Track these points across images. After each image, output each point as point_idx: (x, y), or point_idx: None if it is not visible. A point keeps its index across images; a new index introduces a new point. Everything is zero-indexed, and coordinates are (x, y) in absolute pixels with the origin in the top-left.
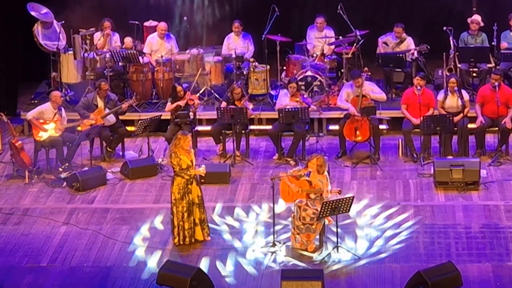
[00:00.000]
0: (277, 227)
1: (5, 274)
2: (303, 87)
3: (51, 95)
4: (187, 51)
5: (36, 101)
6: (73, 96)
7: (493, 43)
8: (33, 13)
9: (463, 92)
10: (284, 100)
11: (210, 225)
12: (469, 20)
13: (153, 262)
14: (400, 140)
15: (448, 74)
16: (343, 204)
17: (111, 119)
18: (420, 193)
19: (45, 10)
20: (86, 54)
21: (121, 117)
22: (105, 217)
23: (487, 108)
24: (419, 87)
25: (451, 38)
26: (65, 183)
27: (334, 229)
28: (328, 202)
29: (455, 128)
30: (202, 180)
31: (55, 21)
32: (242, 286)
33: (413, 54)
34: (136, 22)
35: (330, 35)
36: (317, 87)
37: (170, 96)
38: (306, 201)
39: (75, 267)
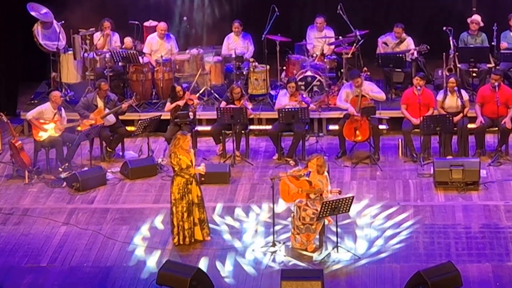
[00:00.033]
0: (277, 227)
1: (5, 274)
2: (303, 87)
3: (51, 95)
4: (187, 51)
5: (36, 101)
6: (73, 96)
7: (493, 43)
8: (33, 13)
9: (463, 92)
10: (283, 100)
11: (210, 225)
12: (469, 20)
13: (153, 262)
14: (400, 140)
15: (447, 74)
16: (343, 204)
17: (111, 119)
18: (420, 193)
19: (45, 10)
20: (86, 54)
21: (121, 117)
22: (105, 217)
23: (487, 108)
24: (418, 87)
25: (451, 38)
26: (65, 183)
27: (334, 229)
28: (328, 202)
29: (455, 128)
30: (203, 179)
31: (55, 21)
32: (242, 286)
33: (413, 54)
34: (136, 22)
35: (330, 35)
36: (317, 87)
37: (169, 96)
38: (306, 201)
39: (75, 267)
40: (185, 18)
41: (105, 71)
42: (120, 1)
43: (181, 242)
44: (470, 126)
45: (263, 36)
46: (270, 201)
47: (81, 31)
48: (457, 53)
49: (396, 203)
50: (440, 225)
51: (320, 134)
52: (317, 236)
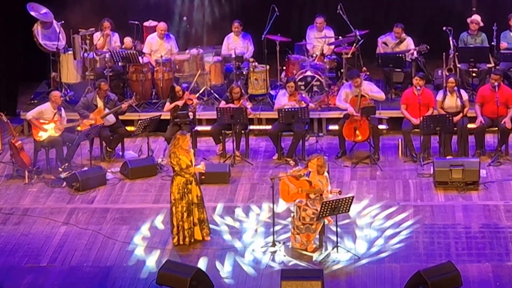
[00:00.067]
0: (277, 227)
1: (5, 274)
2: (302, 87)
3: (50, 95)
4: (187, 51)
5: (36, 101)
6: (73, 96)
7: (492, 43)
8: (32, 13)
9: (462, 91)
10: (283, 100)
11: (210, 225)
12: (468, 20)
13: (153, 262)
14: (399, 140)
15: (447, 74)
16: (342, 204)
17: (111, 119)
18: (419, 193)
19: (44, 10)
20: (85, 54)
21: (120, 117)
22: (104, 217)
23: (487, 108)
24: (418, 87)
25: (450, 38)
26: (64, 183)
27: (334, 229)
28: (327, 202)
29: (455, 128)
30: (203, 177)
31: (54, 21)
32: (241, 286)
33: (412, 54)
34: (136, 22)
35: (329, 35)
36: (317, 87)
37: (169, 96)
38: (306, 201)
39: (75, 267)
40: (185, 18)
41: (105, 71)
42: (120, 1)
43: (181, 242)
44: (470, 126)
45: (263, 36)
46: (270, 201)
47: (81, 31)
48: (457, 53)
49: (396, 203)
50: (440, 225)
51: (320, 134)
52: (317, 236)
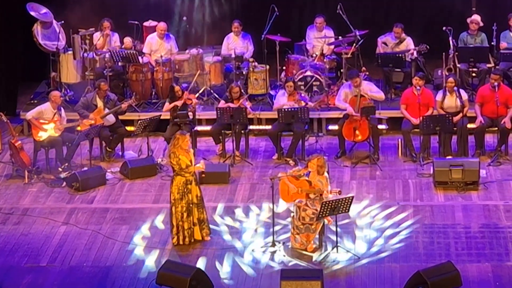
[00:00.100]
0: (277, 227)
1: (4, 274)
2: (302, 87)
3: (50, 95)
4: (187, 51)
5: (35, 101)
6: (73, 96)
7: (492, 43)
8: (32, 13)
9: (462, 91)
10: (282, 100)
11: (210, 225)
12: (468, 20)
13: (152, 262)
14: (399, 140)
15: (447, 74)
16: (342, 204)
17: (111, 119)
18: (419, 193)
19: (44, 10)
20: (85, 54)
21: (120, 117)
22: (104, 217)
23: (487, 108)
24: (418, 87)
25: (450, 38)
26: (64, 183)
27: (334, 229)
28: (327, 202)
29: (455, 128)
30: (203, 175)
31: (54, 21)
32: (241, 286)
33: (412, 54)
34: (136, 22)
35: (329, 35)
36: (317, 87)
37: (168, 96)
38: (306, 201)
39: (75, 267)
40: (184, 18)
41: (104, 71)
42: (120, 1)
43: (181, 242)
44: (469, 126)
45: (263, 36)
46: (269, 201)
47: (81, 31)
48: (456, 53)
49: (395, 203)
50: (439, 225)
51: (320, 134)
52: (317, 236)
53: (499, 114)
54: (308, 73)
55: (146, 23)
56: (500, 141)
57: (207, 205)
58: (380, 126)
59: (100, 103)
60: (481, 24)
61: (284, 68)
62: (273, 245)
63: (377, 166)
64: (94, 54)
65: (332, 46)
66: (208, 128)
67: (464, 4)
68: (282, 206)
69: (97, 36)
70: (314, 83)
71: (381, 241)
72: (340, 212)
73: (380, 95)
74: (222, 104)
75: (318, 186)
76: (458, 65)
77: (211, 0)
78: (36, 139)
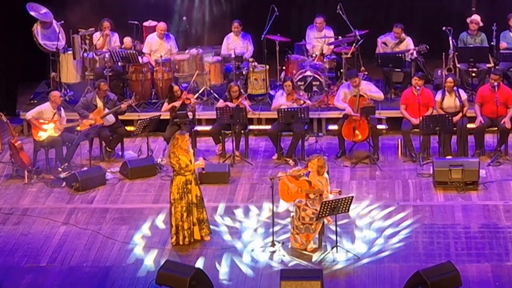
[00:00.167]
0: (277, 227)
1: (4, 274)
2: (302, 87)
3: (50, 95)
4: (187, 51)
5: (35, 101)
6: (73, 96)
7: (492, 43)
8: (32, 13)
9: (461, 91)
10: (280, 100)
11: (210, 225)
12: (468, 20)
13: (152, 262)
14: (399, 140)
15: (447, 74)
16: (342, 204)
17: (111, 119)
18: (419, 193)
19: (44, 10)
20: (85, 54)
21: (120, 117)
22: (104, 217)
23: (486, 108)
24: (418, 87)
25: (450, 38)
26: (64, 183)
27: (334, 229)
28: (327, 202)
29: (454, 128)
30: (203, 172)
31: (54, 21)
32: (241, 286)
33: (412, 54)
34: (136, 22)
35: (329, 35)
36: (317, 87)
37: (167, 96)
38: (306, 201)
39: (75, 267)
40: (184, 18)
41: (104, 71)
42: (120, 1)
43: (180, 242)
44: (469, 126)
45: (263, 36)
46: (269, 201)
47: (81, 31)
48: (456, 53)
49: (395, 203)
50: (439, 225)
51: (320, 134)
52: (317, 236)
53: (499, 114)
54: (308, 73)
55: (146, 23)
56: (499, 141)
57: (207, 205)
58: (379, 126)
59: (100, 103)
60: (481, 24)
61: (284, 68)
62: (273, 245)
63: (377, 166)
64: (94, 54)
65: (332, 46)
66: (208, 128)
67: (464, 4)
68: (282, 206)
69: (97, 36)
70: (314, 83)
71: (381, 241)
72: (339, 212)
73: (379, 95)
74: (220, 103)
75: (318, 186)
76: (458, 65)
77: (210, 0)
78: (36, 139)
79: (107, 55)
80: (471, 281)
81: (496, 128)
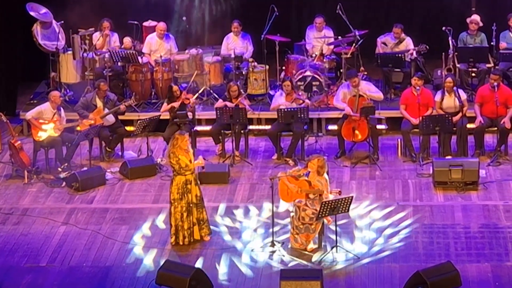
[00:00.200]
0: (276, 227)
1: (4, 274)
2: (302, 87)
3: (50, 95)
4: (186, 51)
5: (35, 101)
6: (72, 96)
7: (492, 43)
8: (32, 13)
9: (460, 91)
10: (279, 100)
11: (210, 225)
12: (468, 20)
13: (152, 262)
14: (399, 140)
15: (446, 74)
16: (342, 204)
17: (110, 119)
18: (419, 193)
19: (44, 10)
20: (85, 54)
21: (120, 117)
22: (104, 217)
23: (486, 108)
24: (417, 87)
25: (450, 38)
26: (64, 183)
27: (333, 229)
28: (327, 202)
29: (454, 128)
30: (203, 169)
31: (54, 21)
32: (241, 286)
33: (412, 54)
34: (135, 22)
35: (329, 35)
36: (316, 87)
37: (167, 97)
38: (305, 201)
39: (74, 267)
40: (184, 18)
41: (104, 71)
42: (120, 1)
43: (180, 242)
44: (469, 126)
45: (263, 36)
46: (269, 201)
47: (81, 31)
48: (456, 53)
49: (395, 203)
50: (439, 225)
51: (320, 134)
52: (317, 236)
53: (499, 114)
54: (308, 73)
55: (145, 23)
56: (499, 141)
57: (207, 205)
58: (379, 126)
59: (99, 103)
60: (481, 24)
61: (283, 68)
62: (273, 245)
63: (376, 166)
64: (93, 54)
65: (332, 46)
66: (207, 128)
67: (463, 4)
68: (282, 206)
69: (96, 36)
70: (313, 83)
71: (380, 241)
72: (339, 212)
73: (378, 95)
74: (219, 103)
75: (318, 186)
76: (457, 65)
77: (210, 0)
78: (35, 139)
79: (107, 55)
80: (471, 281)
81: (496, 128)
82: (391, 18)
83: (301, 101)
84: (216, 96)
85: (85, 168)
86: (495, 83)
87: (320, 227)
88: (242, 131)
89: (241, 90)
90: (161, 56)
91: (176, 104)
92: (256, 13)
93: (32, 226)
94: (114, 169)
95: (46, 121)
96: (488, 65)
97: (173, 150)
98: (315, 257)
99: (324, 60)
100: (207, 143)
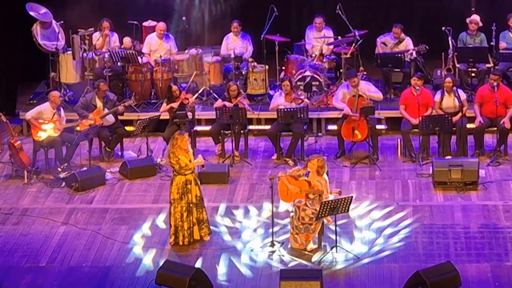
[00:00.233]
0: (276, 228)
1: (4, 274)
2: (301, 87)
3: (50, 95)
4: (186, 51)
5: (35, 101)
6: (72, 96)
7: (492, 43)
8: (32, 13)
9: (460, 91)
10: (278, 100)
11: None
12: (468, 20)
13: (152, 262)
14: (398, 140)
15: (446, 74)
16: (342, 204)
17: (110, 119)
18: (419, 193)
19: (44, 10)
20: (85, 54)
21: (120, 117)
22: (104, 217)
23: (486, 108)
24: (417, 87)
25: (450, 38)
26: (64, 183)
27: (333, 229)
28: (327, 202)
29: (454, 128)
30: (204, 168)
31: (54, 21)
32: (240, 286)
33: (411, 54)
34: (135, 22)
35: (329, 35)
36: (316, 87)
37: (166, 97)
38: (305, 201)
39: (74, 267)
40: (184, 18)
41: (104, 71)
42: (119, 1)
43: (180, 243)
44: (469, 126)
45: (262, 36)
46: (269, 201)
47: (80, 31)
48: (456, 53)
49: (395, 203)
50: (439, 225)
51: (319, 134)
52: (316, 236)
53: (499, 114)
54: (307, 73)
55: (145, 23)
56: (499, 141)
57: (207, 205)
58: (379, 126)
59: (99, 103)
60: (481, 24)
61: (283, 68)
62: (273, 245)
63: (376, 166)
64: (93, 54)
65: (332, 46)
66: (207, 128)
67: (463, 4)
68: (282, 206)
69: (96, 36)
70: (313, 83)
71: (380, 241)
72: (339, 212)
73: (378, 95)
74: (218, 103)
75: (317, 187)
76: (457, 65)
77: (210, 0)
78: (35, 139)
79: (106, 55)
80: (471, 281)
81: (495, 128)
82: (390, 18)
83: (300, 101)
84: (216, 96)
85: (84, 168)
86: (495, 83)
87: (320, 227)
88: (241, 131)
89: (241, 90)
90: (160, 56)
91: (175, 105)
92: (256, 13)
93: (31, 226)
94: (113, 169)
95: (46, 121)
96: (487, 65)
97: (173, 150)
98: (315, 257)
99: (324, 60)
100: (206, 143)
